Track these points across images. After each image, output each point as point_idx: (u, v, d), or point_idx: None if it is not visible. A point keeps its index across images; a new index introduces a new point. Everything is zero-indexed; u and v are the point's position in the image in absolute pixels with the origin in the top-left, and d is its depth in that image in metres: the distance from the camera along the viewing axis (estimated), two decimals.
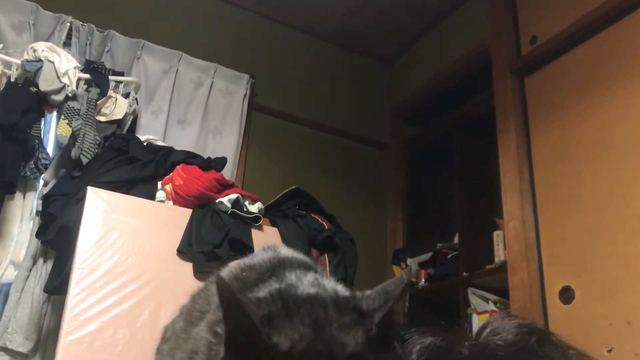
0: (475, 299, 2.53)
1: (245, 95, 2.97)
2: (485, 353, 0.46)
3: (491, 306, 2.46)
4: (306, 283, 0.59)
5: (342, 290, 0.61)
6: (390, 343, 0.51)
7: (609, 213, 1.97)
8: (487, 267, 2.50)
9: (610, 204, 1.98)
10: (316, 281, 0.60)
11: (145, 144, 2.35)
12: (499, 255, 2.45)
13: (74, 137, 2.15)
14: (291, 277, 0.62)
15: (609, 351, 1.81)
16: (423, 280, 2.89)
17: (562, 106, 2.28)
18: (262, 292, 0.60)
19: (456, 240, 2.87)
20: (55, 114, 2.35)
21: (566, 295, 2.03)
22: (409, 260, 3.01)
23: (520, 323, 0.50)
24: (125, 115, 2.37)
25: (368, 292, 0.56)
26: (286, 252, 0.74)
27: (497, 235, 2.50)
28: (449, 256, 2.85)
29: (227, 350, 0.51)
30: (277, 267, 0.67)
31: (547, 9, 2.43)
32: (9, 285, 2.06)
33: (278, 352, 0.48)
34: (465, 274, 2.63)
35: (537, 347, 0.48)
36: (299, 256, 0.75)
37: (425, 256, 2.98)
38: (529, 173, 2.34)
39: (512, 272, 2.24)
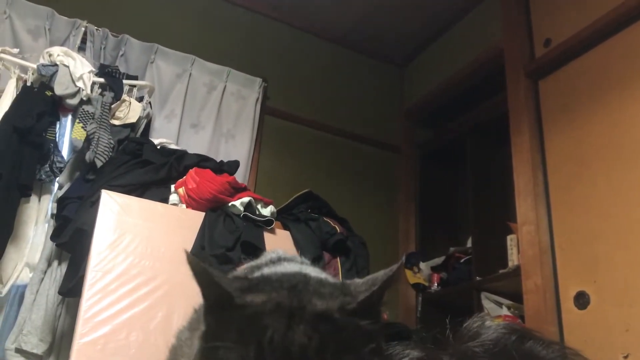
0: (488, 303, 2.51)
1: (257, 99, 2.98)
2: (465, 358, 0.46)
3: (505, 311, 2.44)
4: (293, 267, 0.61)
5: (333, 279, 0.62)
6: (374, 335, 0.52)
7: (625, 216, 1.95)
8: (501, 271, 2.48)
9: (626, 207, 1.95)
10: (304, 267, 0.62)
11: (158, 147, 2.36)
12: (513, 259, 2.43)
13: (88, 140, 2.17)
14: (283, 264, 0.65)
15: (625, 357, 1.79)
16: (436, 284, 2.88)
17: (576, 109, 2.26)
18: (247, 273, 0.65)
19: (469, 244, 2.85)
20: (70, 117, 2.38)
21: (581, 300, 2.01)
22: (421, 264, 3.00)
23: (501, 324, 0.50)
24: (139, 118, 2.39)
25: (358, 280, 0.58)
26: (285, 253, 0.76)
27: (510, 239, 2.48)
28: (462, 260, 2.83)
29: (205, 323, 0.55)
30: (274, 261, 0.70)
31: (560, 11, 2.42)
32: (24, 287, 2.08)
33: (249, 307, 0.50)
34: (478, 278, 2.61)
35: (518, 345, 0.48)
36: (298, 257, 0.78)
37: (438, 260, 2.97)
38: (543, 176, 2.32)
39: (526, 276, 2.22)
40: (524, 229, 2.29)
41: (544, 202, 2.28)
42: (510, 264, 2.44)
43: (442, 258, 2.94)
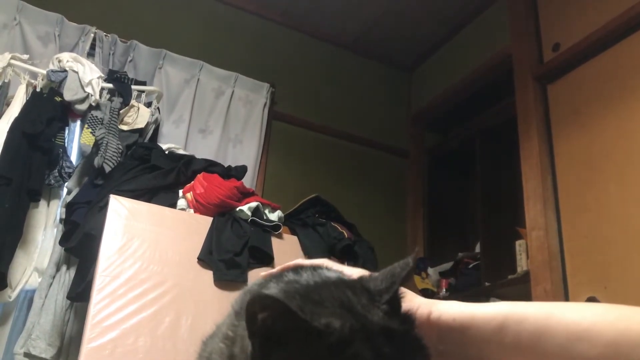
0: None
1: (265, 104, 2.99)
2: None
3: None
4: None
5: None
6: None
7: (636, 221, 1.93)
8: (510, 277, 2.46)
9: (636, 212, 1.94)
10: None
11: (166, 152, 2.37)
12: (522, 264, 2.41)
13: (97, 145, 2.18)
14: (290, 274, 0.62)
15: None
16: (444, 290, 2.86)
17: (585, 113, 2.24)
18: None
19: (478, 249, 2.83)
20: (79, 123, 2.39)
21: None
22: (429, 270, 2.98)
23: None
24: (148, 124, 2.40)
25: (375, 274, 0.56)
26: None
27: (519, 245, 2.46)
28: (471, 266, 2.82)
29: (261, 344, 0.46)
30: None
31: (569, 16, 2.41)
32: (33, 291, 2.09)
33: (331, 332, 0.44)
34: (487, 284, 2.59)
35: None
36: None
37: (446, 265, 2.95)
38: (552, 181, 2.31)
39: (535, 282, 2.20)
40: (533, 234, 2.27)
41: (553, 207, 2.26)
42: (519, 269, 2.42)
43: (451, 263, 2.92)
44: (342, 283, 0.53)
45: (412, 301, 0.55)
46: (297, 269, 0.58)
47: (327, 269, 0.58)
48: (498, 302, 0.53)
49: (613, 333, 0.46)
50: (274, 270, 0.61)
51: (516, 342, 0.50)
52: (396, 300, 0.52)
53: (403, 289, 0.55)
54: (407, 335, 0.49)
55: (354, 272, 0.58)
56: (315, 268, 0.57)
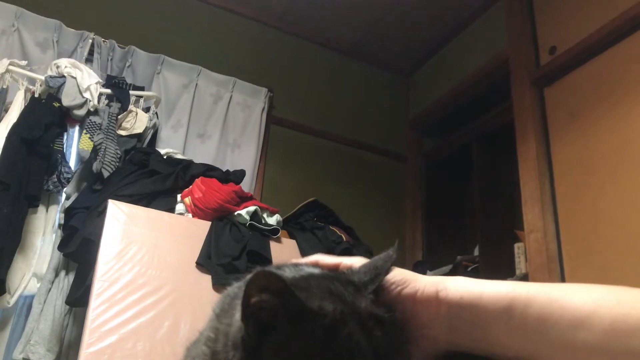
0: None
1: (263, 109, 3.00)
2: None
3: None
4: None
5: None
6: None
7: (634, 224, 1.94)
8: (508, 279, 2.46)
9: (633, 215, 1.94)
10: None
11: (165, 157, 2.37)
12: (520, 267, 2.42)
13: (95, 151, 2.18)
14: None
15: None
16: None
17: (582, 116, 2.25)
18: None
19: (476, 252, 2.84)
20: (77, 128, 2.40)
21: None
22: (428, 273, 2.98)
23: None
24: (146, 129, 2.40)
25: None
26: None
27: (518, 248, 2.46)
28: (469, 269, 2.82)
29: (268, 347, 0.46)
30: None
31: (565, 19, 2.42)
32: (32, 297, 2.09)
33: (324, 316, 0.46)
34: None
35: None
36: None
37: (445, 269, 2.95)
38: (550, 184, 2.32)
39: None
40: (531, 236, 2.28)
41: (551, 210, 2.27)
42: (518, 272, 2.42)
43: (450, 267, 2.92)
44: (327, 275, 0.54)
45: (417, 281, 0.55)
46: (279, 266, 0.58)
47: (308, 265, 0.58)
48: (504, 282, 0.53)
49: (611, 319, 0.46)
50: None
51: (522, 325, 0.50)
52: (381, 290, 0.53)
53: (404, 272, 0.55)
54: (393, 322, 0.50)
55: (354, 261, 0.58)
56: (296, 265, 0.58)
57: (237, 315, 0.48)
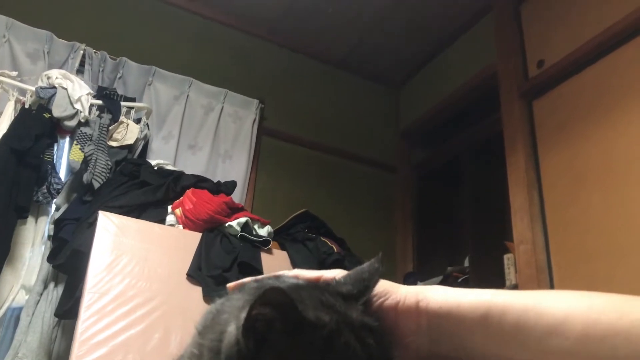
0: None
1: (254, 120, 3.01)
2: None
3: None
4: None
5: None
6: None
7: (622, 234, 1.96)
8: None
9: (622, 225, 1.96)
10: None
11: (156, 168, 2.37)
12: (510, 278, 2.43)
13: (86, 162, 2.18)
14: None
15: None
16: None
17: (570, 129, 2.28)
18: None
19: (467, 263, 2.85)
20: (68, 139, 2.39)
21: None
22: (419, 284, 2.99)
23: None
24: (137, 140, 2.40)
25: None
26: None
27: (507, 259, 2.48)
28: (460, 280, 2.82)
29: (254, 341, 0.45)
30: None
31: (553, 33, 2.46)
32: (20, 309, 2.07)
33: (322, 326, 0.46)
34: None
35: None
36: None
37: (436, 280, 2.96)
38: (539, 195, 2.34)
39: None
40: (520, 248, 2.30)
41: (540, 221, 2.29)
42: (507, 282, 2.43)
43: (440, 278, 2.93)
44: (315, 286, 0.54)
45: (398, 292, 0.55)
46: (258, 279, 0.58)
47: (289, 277, 0.59)
48: (484, 290, 0.53)
49: (583, 325, 0.46)
50: (237, 282, 0.60)
51: (499, 333, 0.50)
52: (370, 302, 0.54)
53: (385, 283, 0.56)
54: (383, 331, 0.51)
55: (334, 274, 0.59)
56: (278, 277, 0.58)
57: (230, 328, 0.47)
